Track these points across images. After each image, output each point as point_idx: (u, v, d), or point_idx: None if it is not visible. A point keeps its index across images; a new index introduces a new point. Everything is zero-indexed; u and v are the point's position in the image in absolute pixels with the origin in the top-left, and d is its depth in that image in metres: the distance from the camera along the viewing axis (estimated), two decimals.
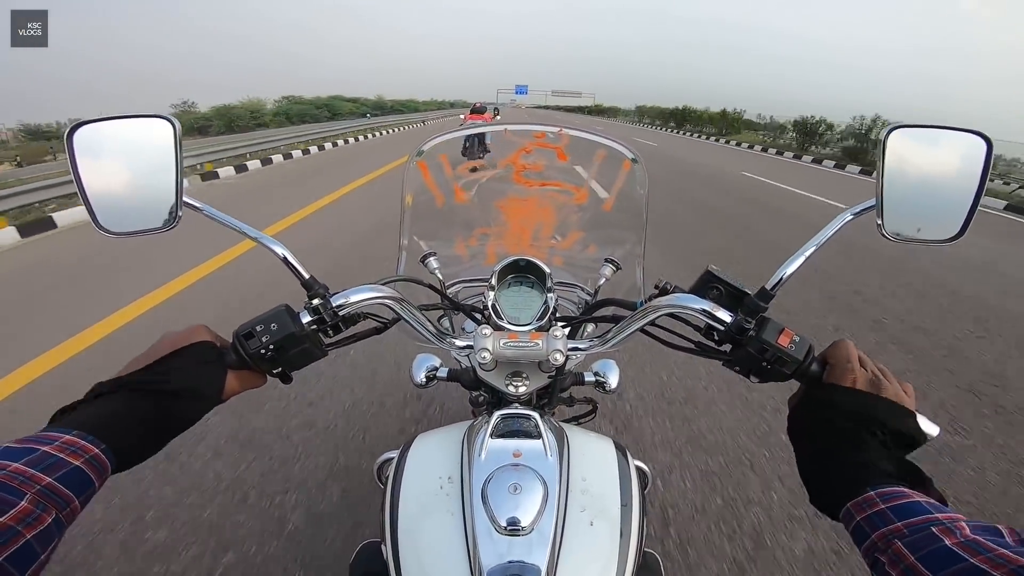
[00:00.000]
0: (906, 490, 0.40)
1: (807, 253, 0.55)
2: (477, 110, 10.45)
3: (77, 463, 0.38)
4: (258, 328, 0.52)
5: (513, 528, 0.48)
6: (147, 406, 0.45)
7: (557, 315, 0.74)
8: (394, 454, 0.63)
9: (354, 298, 0.56)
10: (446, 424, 0.67)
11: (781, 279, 0.54)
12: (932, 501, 0.39)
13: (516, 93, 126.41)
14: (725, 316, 0.55)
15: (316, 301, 0.55)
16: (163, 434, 0.46)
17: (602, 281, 0.91)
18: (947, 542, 0.34)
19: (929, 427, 0.49)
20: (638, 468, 0.63)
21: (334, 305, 0.55)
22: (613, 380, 0.92)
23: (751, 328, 0.53)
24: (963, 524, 0.35)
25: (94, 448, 0.39)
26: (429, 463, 0.59)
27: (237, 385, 0.53)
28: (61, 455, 0.37)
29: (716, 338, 0.58)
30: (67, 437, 0.39)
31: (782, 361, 0.52)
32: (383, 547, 0.54)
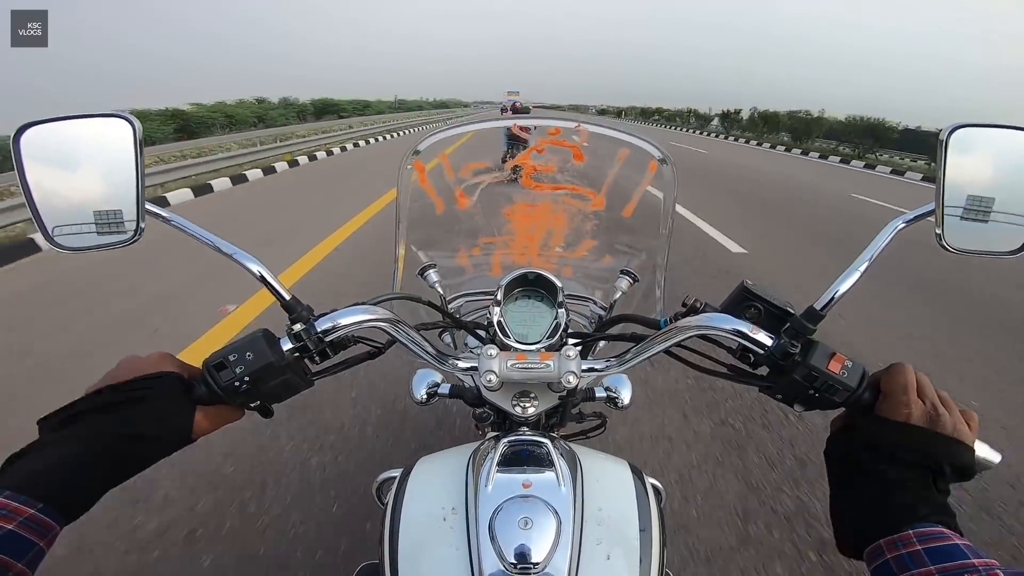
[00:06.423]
0: (945, 531, 0.38)
1: (861, 268, 0.50)
2: (518, 110, 6.83)
3: (10, 527, 0.35)
4: (231, 358, 0.46)
5: (524, 566, 0.44)
6: (100, 451, 0.40)
7: (569, 332, 0.68)
8: (395, 473, 0.59)
9: (343, 321, 0.51)
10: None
11: (833, 298, 0.49)
12: (970, 545, 0.37)
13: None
14: (765, 339, 0.50)
15: (298, 326, 0.49)
16: (117, 479, 0.42)
17: (618, 295, 0.85)
18: None
19: (990, 454, 0.46)
20: (653, 487, 0.60)
21: (319, 330, 0.50)
22: (626, 396, 0.87)
23: (796, 352, 0.48)
24: (998, 572, 0.34)
25: (28, 509, 0.36)
26: (432, 491, 0.55)
27: (208, 423, 0.47)
28: None
29: (751, 361, 0.53)
30: None
31: (832, 389, 0.47)
32: None
